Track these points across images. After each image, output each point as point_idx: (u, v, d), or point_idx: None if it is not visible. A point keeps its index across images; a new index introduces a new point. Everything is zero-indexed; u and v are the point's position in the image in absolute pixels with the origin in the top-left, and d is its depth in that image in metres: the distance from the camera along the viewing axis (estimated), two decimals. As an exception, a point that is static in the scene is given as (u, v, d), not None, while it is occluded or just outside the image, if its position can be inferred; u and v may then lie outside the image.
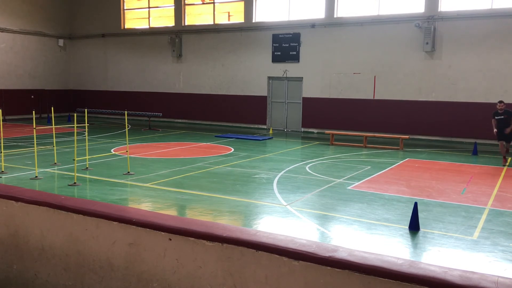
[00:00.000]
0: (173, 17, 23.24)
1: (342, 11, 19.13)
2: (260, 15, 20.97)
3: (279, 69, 20.61)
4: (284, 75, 20.55)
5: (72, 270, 3.70)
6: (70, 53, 26.76)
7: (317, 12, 19.57)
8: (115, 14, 24.98)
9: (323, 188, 9.38)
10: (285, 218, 7.40)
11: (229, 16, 22.15)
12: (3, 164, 10.61)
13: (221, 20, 22.16)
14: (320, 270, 2.66)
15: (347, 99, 19.13)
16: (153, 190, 9.04)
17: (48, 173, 10.36)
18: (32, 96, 24.39)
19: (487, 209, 7.98)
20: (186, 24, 22.98)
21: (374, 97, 18.63)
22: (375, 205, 8.13)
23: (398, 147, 15.15)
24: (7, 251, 4.08)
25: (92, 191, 8.93)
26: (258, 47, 20.97)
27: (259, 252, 2.85)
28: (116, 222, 3.42)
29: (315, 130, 19.96)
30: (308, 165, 11.90)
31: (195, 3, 22.91)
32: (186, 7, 22.97)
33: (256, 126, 21.37)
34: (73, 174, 9.67)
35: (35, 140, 10.57)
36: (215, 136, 17.70)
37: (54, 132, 11.84)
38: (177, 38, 22.86)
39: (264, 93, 21.12)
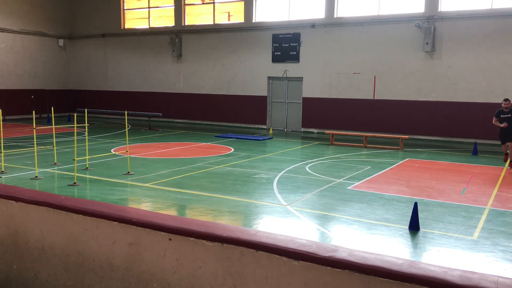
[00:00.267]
0: (173, 17, 23.24)
1: (342, 11, 19.13)
2: (260, 15, 20.97)
3: (279, 69, 20.61)
4: (284, 75, 20.55)
5: (72, 270, 3.70)
6: (70, 53, 26.76)
7: (317, 12, 19.57)
8: (115, 14, 24.98)
9: (323, 188, 9.38)
10: (285, 218, 7.40)
11: (229, 16, 22.15)
12: (3, 164, 10.61)
13: (221, 20, 22.16)
14: (320, 270, 2.66)
15: (347, 99, 19.13)
16: (153, 190, 9.04)
17: (48, 173, 10.36)
18: (32, 96, 24.39)
19: (487, 209, 7.98)
20: (186, 24, 22.98)
21: (374, 97, 18.63)
22: (375, 205, 8.13)
23: (398, 147, 15.15)
24: (7, 251, 4.08)
25: (92, 191, 8.93)
26: (258, 47, 20.97)
27: (259, 252, 2.85)
28: (116, 222, 3.42)
29: (315, 130, 19.96)
30: (308, 165, 11.90)
31: (195, 3, 22.91)
32: (186, 7, 22.98)
33: (256, 126, 21.37)
34: (73, 174, 9.67)
35: (35, 140, 10.57)
36: (215, 136, 17.70)
37: (54, 132, 11.83)
38: (177, 38, 22.86)
39: (264, 93, 21.12)
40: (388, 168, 11.71)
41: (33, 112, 10.81)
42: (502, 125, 11.58)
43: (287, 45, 20.25)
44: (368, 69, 18.61)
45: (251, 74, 21.30)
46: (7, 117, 21.15)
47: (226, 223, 5.63)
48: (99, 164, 11.45)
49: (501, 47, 16.29)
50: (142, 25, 24.49)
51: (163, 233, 3.21)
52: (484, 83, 16.67)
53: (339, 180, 10.11)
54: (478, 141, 16.08)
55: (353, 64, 18.90)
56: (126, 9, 24.96)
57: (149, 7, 24.18)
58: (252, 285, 2.91)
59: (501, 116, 11.65)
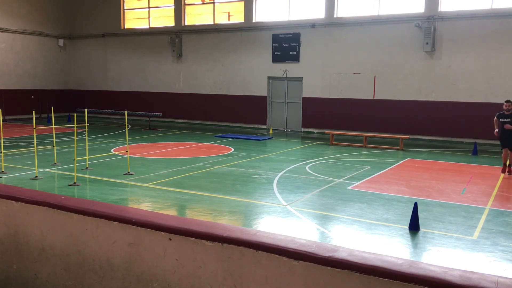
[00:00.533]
0: (173, 17, 23.25)
1: (342, 11, 19.13)
2: (260, 15, 20.97)
3: (279, 69, 20.61)
4: (284, 75, 20.55)
5: (72, 270, 3.70)
6: (70, 53, 26.77)
7: (317, 12, 19.57)
8: (115, 14, 24.99)
9: (323, 188, 9.38)
10: (285, 218, 7.40)
11: (229, 16, 22.15)
12: (3, 164, 10.61)
13: (221, 20, 22.16)
14: (320, 270, 2.66)
15: (347, 99, 19.13)
16: (153, 190, 9.04)
17: (48, 173, 10.36)
18: (32, 96, 24.39)
19: (487, 209, 7.98)
20: (186, 24, 22.98)
21: (374, 97, 18.63)
22: (375, 205, 8.13)
23: (398, 147, 15.15)
24: (7, 251, 4.08)
25: (92, 191, 8.93)
26: (258, 47, 20.97)
27: (259, 252, 2.85)
28: (116, 222, 3.42)
29: (315, 130, 19.97)
30: (308, 165, 11.90)
31: (195, 3, 22.91)
32: (186, 7, 22.98)
33: (256, 126, 21.37)
34: (73, 174, 9.67)
35: (35, 140, 10.57)
36: (215, 136, 17.70)
37: (54, 132, 11.84)
38: (177, 38, 22.87)
39: (264, 93, 21.12)
40: (388, 168, 11.71)
41: (33, 112, 10.81)
42: (495, 132, 10.80)
43: (287, 45, 20.25)
44: (368, 69, 18.61)
45: (251, 74, 21.30)
46: (7, 117, 21.15)
47: (226, 223, 5.63)
48: (99, 164, 11.45)
49: (501, 47, 16.30)
50: (142, 25, 24.49)
51: (163, 233, 3.21)
52: (484, 83, 16.67)
53: (339, 180, 10.11)
54: (478, 141, 16.08)
55: (353, 64, 18.90)
56: (126, 9, 24.96)
57: (149, 7, 24.18)
58: (252, 285, 2.91)
59: (501, 120, 10.65)
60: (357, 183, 9.81)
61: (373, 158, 13.41)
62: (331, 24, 19.20)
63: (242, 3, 21.22)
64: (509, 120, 10.45)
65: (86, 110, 12.51)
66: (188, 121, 23.21)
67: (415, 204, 6.87)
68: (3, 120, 14.74)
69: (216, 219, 7.40)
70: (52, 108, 13.90)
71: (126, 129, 12.28)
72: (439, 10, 17.22)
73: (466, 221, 7.27)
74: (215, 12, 22.13)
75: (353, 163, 12.48)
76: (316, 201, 8.48)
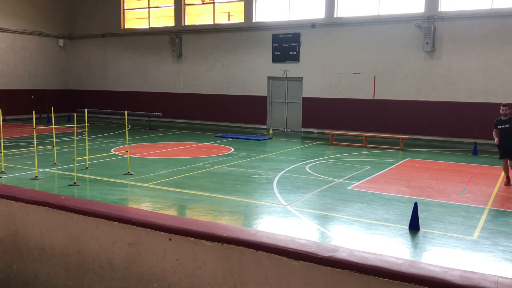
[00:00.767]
0: (173, 17, 23.24)
1: (342, 11, 19.13)
2: (260, 15, 20.97)
3: (279, 69, 20.61)
4: (284, 75, 20.55)
5: (72, 270, 3.70)
6: (70, 53, 26.76)
7: (317, 12, 19.57)
8: (115, 14, 24.99)
9: (323, 188, 9.38)
10: (285, 218, 7.40)
11: (229, 16, 22.15)
12: (3, 164, 10.61)
13: (221, 20, 22.16)
14: (320, 270, 2.66)
15: (347, 99, 19.13)
16: (153, 190, 9.04)
17: (48, 173, 10.36)
18: (32, 96, 24.39)
19: (487, 209, 7.98)
20: (186, 24, 22.98)
21: (374, 97, 18.63)
22: (375, 205, 8.13)
23: (398, 147, 15.15)
24: (7, 251, 4.08)
25: (92, 191, 8.93)
26: (258, 47, 20.97)
27: (259, 252, 2.85)
28: (116, 222, 3.42)
29: (315, 130, 19.97)
30: (308, 165, 11.90)
31: (195, 3, 22.91)
32: (186, 7, 22.98)
33: (256, 126, 21.37)
34: (73, 174, 9.67)
35: (35, 140, 10.57)
36: (215, 136, 17.70)
37: (54, 132, 11.84)
38: (177, 38, 22.86)
39: (264, 93, 21.12)
40: (388, 168, 11.71)
41: (33, 112, 10.81)
42: (495, 141, 9.72)
43: (287, 45, 20.25)
44: (368, 69, 18.61)
45: (251, 74, 21.30)
46: (7, 117, 21.15)
47: (226, 223, 5.63)
48: (99, 164, 11.45)
49: (501, 47, 16.29)
50: (142, 25, 24.49)
51: (163, 233, 3.21)
52: (484, 83, 16.67)
53: (339, 180, 10.11)
54: (478, 141, 16.07)
55: (353, 64, 18.90)
56: (126, 9, 24.96)
57: (149, 7, 24.18)
58: (252, 285, 2.91)
59: (499, 127, 9.58)
60: (357, 183, 9.81)
61: (373, 158, 13.41)
62: (331, 24, 19.20)
63: (242, 3, 21.22)
64: (508, 126, 9.41)
65: (86, 110, 12.51)
66: (188, 121, 23.21)
67: (415, 204, 6.87)
68: (3, 120, 14.74)
69: (216, 219, 7.40)
70: (52, 108, 13.90)
71: (126, 129, 12.28)
72: (439, 10, 17.22)
73: (466, 221, 7.27)
74: (215, 12, 22.13)
75: (353, 163, 12.48)
76: (316, 201, 8.48)
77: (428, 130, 17.72)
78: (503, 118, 9.53)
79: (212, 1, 22.26)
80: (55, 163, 11.40)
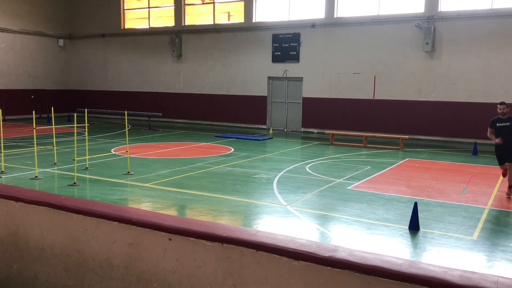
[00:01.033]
0: (173, 17, 23.25)
1: (342, 11, 19.13)
2: (260, 15, 20.97)
3: (279, 69, 20.61)
4: (284, 75, 20.55)
5: (72, 270, 3.70)
6: (70, 53, 26.76)
7: (317, 12, 19.57)
8: (115, 14, 24.99)
9: (323, 188, 9.38)
10: (285, 218, 7.40)
11: (229, 16, 22.15)
12: (3, 164, 10.61)
13: (221, 20, 22.16)
14: (320, 270, 2.66)
15: (347, 99, 19.13)
16: (153, 190, 9.04)
17: (48, 173, 10.36)
18: (32, 96, 24.39)
19: (487, 209, 7.98)
20: (186, 24, 22.98)
21: (374, 97, 18.63)
22: (375, 205, 8.13)
23: (398, 147, 15.15)
24: (7, 251, 4.08)
25: (92, 191, 8.93)
26: (258, 47, 20.97)
27: (259, 252, 2.85)
28: (116, 222, 3.42)
29: (315, 130, 19.97)
30: (308, 165, 11.90)
31: (195, 3, 22.91)
32: (186, 7, 22.98)
33: (256, 126, 21.37)
34: (73, 174, 9.67)
35: (35, 140, 10.57)
36: (215, 136, 17.70)
37: (54, 132, 11.84)
38: (177, 38, 22.86)
39: (264, 93, 21.12)
40: (388, 168, 11.71)
41: (33, 112, 10.81)
42: (496, 141, 8.81)
43: (287, 45, 20.25)
44: (368, 69, 18.61)
45: (251, 74, 21.30)
46: (7, 117, 21.15)
47: (226, 223, 5.63)
48: (99, 164, 11.44)
49: (501, 47, 16.29)
50: (142, 25, 24.49)
51: (163, 233, 3.21)
52: (484, 83, 16.66)
53: (339, 180, 10.11)
54: (478, 141, 16.07)
55: (353, 64, 18.90)
56: (126, 9, 24.96)
57: (149, 7, 24.18)
58: (252, 285, 2.91)
59: (497, 125, 8.88)
60: (357, 183, 9.81)
61: (373, 158, 13.41)
62: (331, 24, 19.20)
63: (242, 3, 21.22)
64: (508, 124, 8.75)
65: (86, 110, 12.51)
66: (188, 121, 23.21)
67: (415, 204, 6.87)
68: (3, 120, 14.74)
69: (216, 219, 7.40)
70: (52, 108, 13.90)
71: (126, 129, 12.28)
72: (439, 10, 17.22)
73: (466, 221, 7.27)
74: (215, 12, 22.13)
75: (353, 163, 12.48)
76: (316, 201, 8.48)
77: (428, 130, 17.71)
78: (501, 117, 8.87)
79: (212, 1, 22.26)
80: (55, 163, 11.40)
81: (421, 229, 6.75)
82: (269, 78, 20.99)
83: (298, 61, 20.09)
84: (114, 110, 23.21)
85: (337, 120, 19.20)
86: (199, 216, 7.51)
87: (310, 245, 2.79)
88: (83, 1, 26.09)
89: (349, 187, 9.45)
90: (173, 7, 23.19)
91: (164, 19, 23.86)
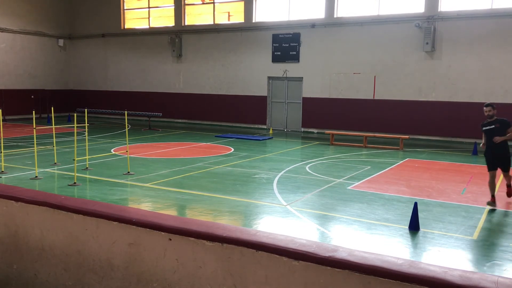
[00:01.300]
0: (173, 17, 23.24)
1: (342, 11, 19.13)
2: (260, 15, 20.97)
3: (279, 69, 20.61)
4: (284, 75, 20.55)
5: (72, 270, 3.70)
6: (70, 53, 26.76)
7: (317, 12, 19.57)
8: (115, 14, 24.98)
9: (323, 188, 9.38)
10: (285, 218, 7.40)
11: (229, 16, 22.15)
12: (3, 164, 10.61)
13: (221, 20, 22.16)
14: (320, 270, 2.66)
15: (347, 99, 19.13)
16: (153, 190, 9.04)
17: (48, 173, 10.36)
18: (32, 96, 24.39)
19: (487, 209, 7.98)
20: (186, 24, 22.98)
21: (374, 97, 18.63)
22: (375, 205, 8.13)
23: (398, 147, 15.15)
24: (7, 251, 4.08)
25: (92, 191, 8.93)
26: (258, 47, 20.97)
27: (259, 252, 2.85)
28: (116, 222, 3.42)
29: (315, 130, 19.96)
30: (308, 165, 11.90)
31: (195, 3, 22.91)
32: (186, 7, 22.97)
33: (256, 126, 21.37)
34: (73, 174, 9.67)
35: (35, 140, 10.57)
36: (215, 136, 17.70)
37: (54, 132, 11.84)
38: (177, 38, 22.86)
39: (264, 93, 21.12)
40: (388, 168, 11.71)
41: (33, 112, 10.81)
42: (480, 145, 8.53)
43: (287, 45, 20.25)
44: (368, 69, 18.61)
45: (251, 74, 21.30)
46: (7, 117, 21.15)
47: (226, 223, 5.63)
48: (99, 164, 11.44)
49: (501, 47, 16.29)
50: (142, 25, 24.49)
51: (163, 233, 3.21)
52: (484, 83, 16.67)
53: (339, 180, 10.11)
54: (478, 141, 16.01)
55: (353, 64, 18.90)
56: (126, 9, 24.96)
57: (149, 7, 24.18)
58: (252, 285, 2.91)
59: (484, 128, 8.28)
60: (357, 183, 9.81)
61: (373, 158, 13.41)
62: (331, 24, 19.20)
63: (242, 3, 21.22)
64: (493, 127, 8.10)
65: (86, 110, 12.51)
66: (188, 121, 23.21)
67: (415, 204, 6.87)
68: (3, 120, 14.74)
69: (216, 219, 7.40)
70: (52, 108, 13.90)
71: (126, 129, 12.28)
72: (439, 10, 17.22)
73: (466, 221, 7.27)
74: (215, 12, 22.13)
75: (353, 163, 12.48)
76: (316, 201, 8.48)
77: (428, 130, 17.71)
78: (488, 120, 8.25)
79: (212, 1, 22.26)
80: (55, 163, 11.40)
81: (421, 229, 6.75)
82: (269, 78, 20.99)
83: (298, 61, 20.08)
84: (114, 110, 23.21)
85: (337, 120, 19.20)
86: (199, 216, 7.51)
87: (310, 245, 2.79)
88: (83, 1, 26.09)
89: (349, 187, 9.45)
90: (173, 7, 23.19)
91: (164, 19, 23.86)
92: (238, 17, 21.64)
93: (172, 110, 23.34)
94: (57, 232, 3.76)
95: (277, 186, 9.44)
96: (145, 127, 20.72)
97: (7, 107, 21.85)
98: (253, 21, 20.97)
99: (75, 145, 10.06)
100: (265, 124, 21.27)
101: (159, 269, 3.25)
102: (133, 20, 24.88)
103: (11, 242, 4.04)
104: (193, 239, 3.09)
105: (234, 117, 21.87)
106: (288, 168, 11.40)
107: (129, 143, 12.96)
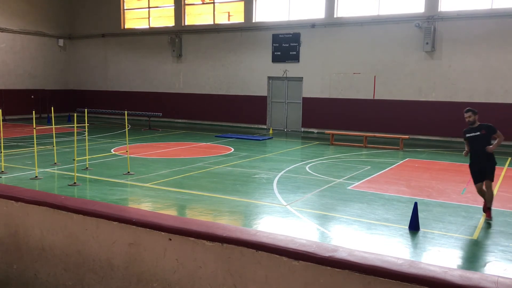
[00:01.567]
0: (173, 17, 23.24)
1: (342, 11, 19.13)
2: (260, 15, 20.97)
3: (279, 69, 20.61)
4: (284, 75, 20.55)
5: (72, 270, 3.70)
6: (70, 53, 26.76)
7: (317, 12, 19.57)
8: (115, 14, 24.98)
9: (323, 188, 9.38)
10: (285, 218, 7.40)
11: (229, 16, 22.15)
12: (3, 164, 10.61)
13: (221, 20, 22.16)
14: (320, 270, 2.66)
15: (347, 99, 19.13)
16: (153, 190, 9.04)
17: (48, 173, 10.36)
18: (32, 96, 24.39)
19: (487, 209, 7.96)
20: (186, 24, 22.98)
21: (374, 97, 18.63)
22: (375, 205, 8.13)
23: (398, 147, 15.15)
24: (7, 251, 4.08)
25: (92, 191, 8.93)
26: (258, 47, 20.97)
27: (259, 252, 2.85)
28: (116, 222, 3.42)
29: (315, 130, 19.96)
30: (308, 165, 11.90)
31: (195, 3, 22.91)
32: (186, 7, 22.97)
33: (256, 126, 21.37)
34: (73, 174, 9.66)
35: (35, 140, 10.57)
36: (215, 136, 17.70)
37: (54, 132, 11.84)
38: (177, 38, 22.86)
39: (264, 93, 21.12)
40: (388, 168, 11.71)
41: (33, 112, 10.81)
42: (463, 153, 7.79)
43: (287, 45, 20.25)
44: (368, 69, 18.61)
45: (251, 74, 21.30)
46: (7, 117, 21.15)
47: (226, 223, 5.63)
48: (99, 164, 11.44)
49: (501, 47, 16.29)
50: (142, 25, 24.49)
51: (163, 233, 3.21)
52: (484, 83, 16.66)
53: (339, 180, 10.11)
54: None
55: (353, 64, 18.90)
56: (126, 9, 24.96)
57: (149, 7, 24.18)
58: (252, 285, 2.91)
59: (467, 135, 7.69)
60: (357, 183, 9.81)
61: (373, 158, 13.41)
62: (331, 24, 19.19)
63: (242, 3, 21.21)
64: (478, 133, 7.58)
65: (86, 110, 12.51)
66: (188, 121, 23.21)
67: (415, 204, 6.87)
68: (3, 120, 14.74)
69: (216, 219, 7.40)
70: (52, 108, 13.89)
71: (126, 129, 12.28)
72: (439, 10, 17.22)
73: (466, 221, 7.27)
74: (215, 12, 22.13)
75: (353, 163, 12.48)
76: (316, 201, 8.48)
77: (428, 130, 17.71)
78: (471, 126, 7.83)
79: (212, 1, 22.26)
80: (55, 163, 11.39)
81: (421, 229, 6.75)
82: (269, 78, 20.99)
83: (298, 61, 20.08)
84: (114, 110, 23.21)
85: (337, 120, 19.20)
86: (199, 216, 7.51)
87: (310, 245, 2.79)
88: (83, 1, 26.09)
89: (349, 187, 9.45)
90: (173, 7, 23.19)
91: (164, 19, 23.86)
92: (238, 17, 21.64)
93: (172, 110, 23.34)
94: (57, 232, 3.75)
95: (277, 186, 9.44)
96: (145, 127, 20.72)
97: (7, 107, 21.86)
98: (253, 21, 20.97)
99: (75, 145, 10.06)
100: (265, 124, 21.27)
101: (159, 269, 3.25)
102: (133, 20, 24.87)
103: (11, 242, 4.04)
104: (193, 239, 3.09)
105: (234, 117, 21.87)
106: (288, 168, 11.40)
107: (129, 143, 12.96)
